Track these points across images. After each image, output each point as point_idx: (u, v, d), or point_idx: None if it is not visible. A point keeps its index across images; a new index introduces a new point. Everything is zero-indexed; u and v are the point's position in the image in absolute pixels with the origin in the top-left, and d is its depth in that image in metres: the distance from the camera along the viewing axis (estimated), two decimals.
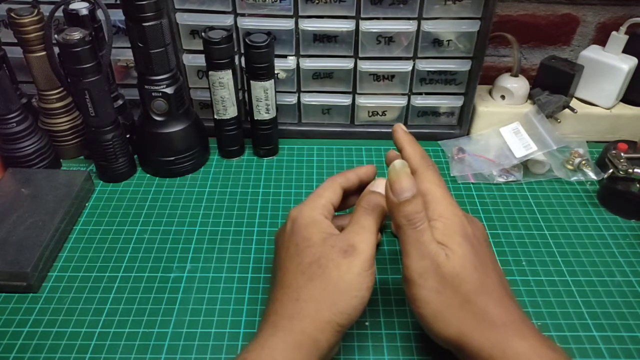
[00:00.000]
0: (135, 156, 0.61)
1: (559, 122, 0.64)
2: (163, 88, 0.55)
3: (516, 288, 0.47)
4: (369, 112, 0.66)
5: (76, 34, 0.49)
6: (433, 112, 0.65)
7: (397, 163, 0.36)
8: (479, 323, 0.34)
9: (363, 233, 0.37)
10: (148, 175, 0.60)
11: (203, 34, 0.54)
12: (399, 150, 0.42)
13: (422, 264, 0.35)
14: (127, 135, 0.58)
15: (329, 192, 0.41)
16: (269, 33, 0.55)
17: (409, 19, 0.58)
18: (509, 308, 0.35)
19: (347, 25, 0.58)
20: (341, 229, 0.38)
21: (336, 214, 0.42)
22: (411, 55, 0.61)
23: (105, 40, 0.55)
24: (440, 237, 0.36)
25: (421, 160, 0.40)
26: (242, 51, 0.57)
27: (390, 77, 0.62)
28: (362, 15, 0.58)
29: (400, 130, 0.43)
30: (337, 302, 0.35)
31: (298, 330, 0.34)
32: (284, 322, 0.34)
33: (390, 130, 0.65)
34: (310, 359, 0.33)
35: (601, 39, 0.66)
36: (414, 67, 0.61)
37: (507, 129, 0.62)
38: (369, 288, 0.36)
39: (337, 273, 0.35)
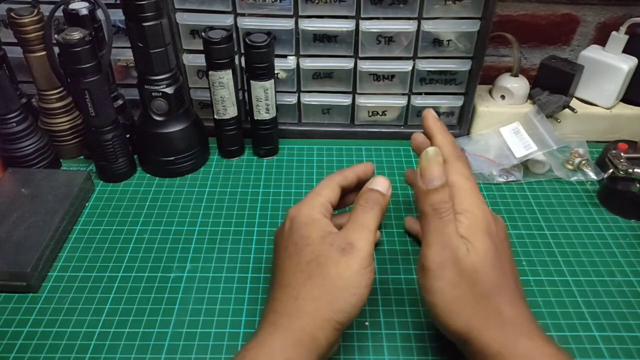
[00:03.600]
0: (135, 156, 0.61)
1: (559, 122, 0.64)
2: (163, 88, 0.55)
3: None
4: (369, 112, 0.66)
5: (76, 34, 0.49)
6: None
7: (431, 150, 0.36)
8: (490, 320, 0.34)
9: (361, 231, 0.37)
10: (148, 175, 0.60)
11: (203, 33, 0.54)
12: (429, 137, 0.42)
13: (442, 255, 0.35)
14: (127, 135, 0.58)
15: (327, 191, 0.41)
16: (269, 33, 0.55)
17: (409, 18, 0.58)
18: (520, 308, 0.35)
19: (347, 25, 0.58)
20: (340, 227, 0.38)
21: (335, 212, 0.42)
22: (411, 55, 0.61)
23: (105, 40, 0.55)
24: (464, 232, 0.36)
25: (452, 150, 0.40)
26: (242, 51, 0.57)
27: (390, 77, 0.62)
28: (362, 15, 0.58)
29: (432, 116, 0.42)
30: (336, 300, 0.35)
31: (297, 328, 0.34)
32: (283, 320, 0.34)
33: (390, 130, 0.66)
34: (310, 357, 0.33)
35: (601, 39, 0.66)
36: (414, 67, 0.61)
37: (507, 129, 0.62)
38: (367, 286, 0.36)
39: (336, 271, 0.35)
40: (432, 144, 0.41)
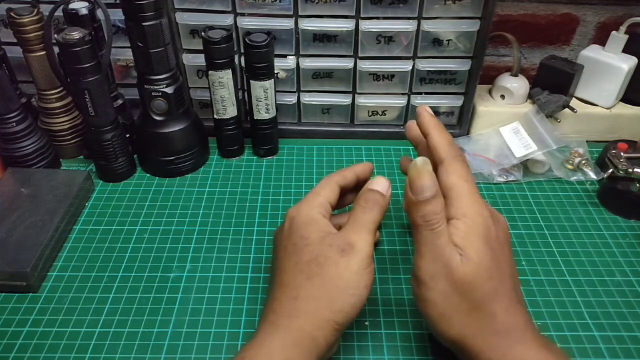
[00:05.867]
0: (135, 156, 0.61)
1: (559, 122, 0.64)
2: (163, 88, 0.55)
3: None
4: (369, 112, 0.66)
5: (76, 34, 0.49)
6: (433, 112, 0.65)
7: (419, 160, 0.34)
8: (484, 329, 0.34)
9: (361, 231, 0.37)
10: (148, 175, 0.60)
11: (203, 33, 0.54)
12: (424, 136, 0.40)
13: (434, 267, 0.34)
14: (127, 135, 0.58)
15: (327, 191, 0.41)
16: (269, 33, 0.55)
17: (409, 18, 0.58)
18: (516, 315, 0.35)
19: (347, 25, 0.58)
20: (339, 227, 0.38)
21: (335, 212, 0.42)
22: (411, 55, 0.61)
23: (105, 40, 0.55)
24: (459, 240, 0.34)
25: (450, 149, 0.38)
26: (242, 51, 0.57)
27: (390, 77, 0.62)
28: (362, 15, 0.58)
29: (427, 113, 0.40)
30: (335, 300, 0.35)
31: (296, 328, 0.34)
32: (282, 320, 0.34)
33: (390, 130, 0.66)
34: (309, 357, 0.33)
35: (601, 39, 0.66)
36: (414, 67, 0.61)
37: (507, 129, 0.62)
38: (367, 286, 0.36)
39: (336, 271, 0.35)
40: (427, 143, 0.39)
